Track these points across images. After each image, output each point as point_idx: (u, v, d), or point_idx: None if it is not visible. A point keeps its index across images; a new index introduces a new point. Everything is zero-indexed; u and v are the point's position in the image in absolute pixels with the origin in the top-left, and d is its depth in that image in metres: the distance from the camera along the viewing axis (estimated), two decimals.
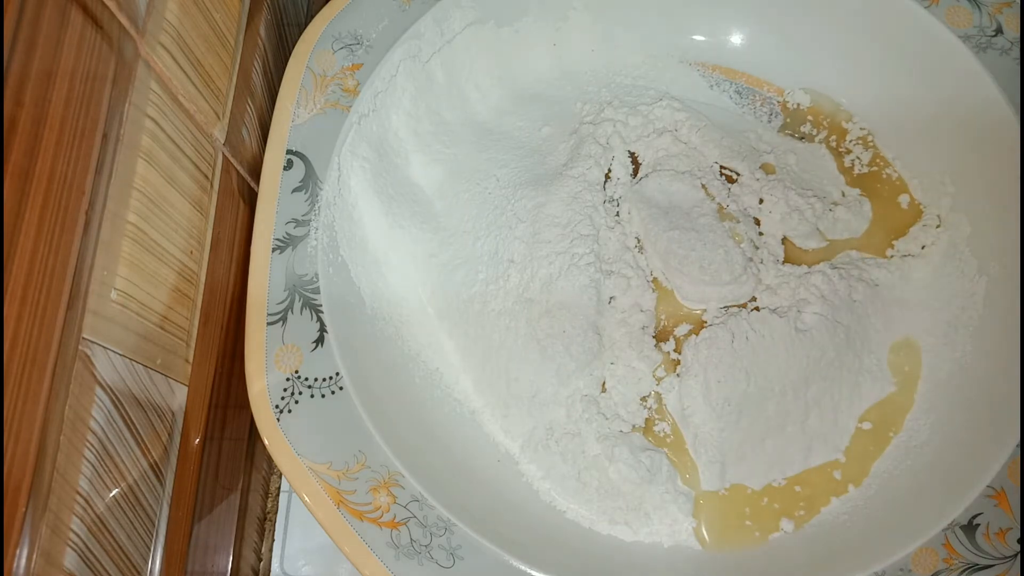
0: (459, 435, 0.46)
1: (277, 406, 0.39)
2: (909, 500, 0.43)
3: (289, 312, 0.42)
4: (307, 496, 0.38)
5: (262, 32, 0.45)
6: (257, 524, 0.46)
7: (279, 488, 0.47)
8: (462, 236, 0.50)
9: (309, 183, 0.44)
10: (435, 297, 0.49)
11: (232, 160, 0.42)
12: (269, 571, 0.45)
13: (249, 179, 0.44)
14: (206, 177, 0.39)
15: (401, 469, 0.40)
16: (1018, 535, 0.38)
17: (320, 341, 0.41)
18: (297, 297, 0.42)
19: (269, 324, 0.41)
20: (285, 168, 0.44)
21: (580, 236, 0.49)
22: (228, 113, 0.41)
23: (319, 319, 0.42)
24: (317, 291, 0.42)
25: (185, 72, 0.36)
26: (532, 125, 0.55)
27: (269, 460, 0.47)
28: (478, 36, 0.53)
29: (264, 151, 0.44)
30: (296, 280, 0.42)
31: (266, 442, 0.39)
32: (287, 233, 0.43)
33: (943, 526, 0.39)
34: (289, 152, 0.45)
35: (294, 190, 0.44)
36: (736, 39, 0.57)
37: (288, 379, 0.40)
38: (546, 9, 0.55)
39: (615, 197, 0.52)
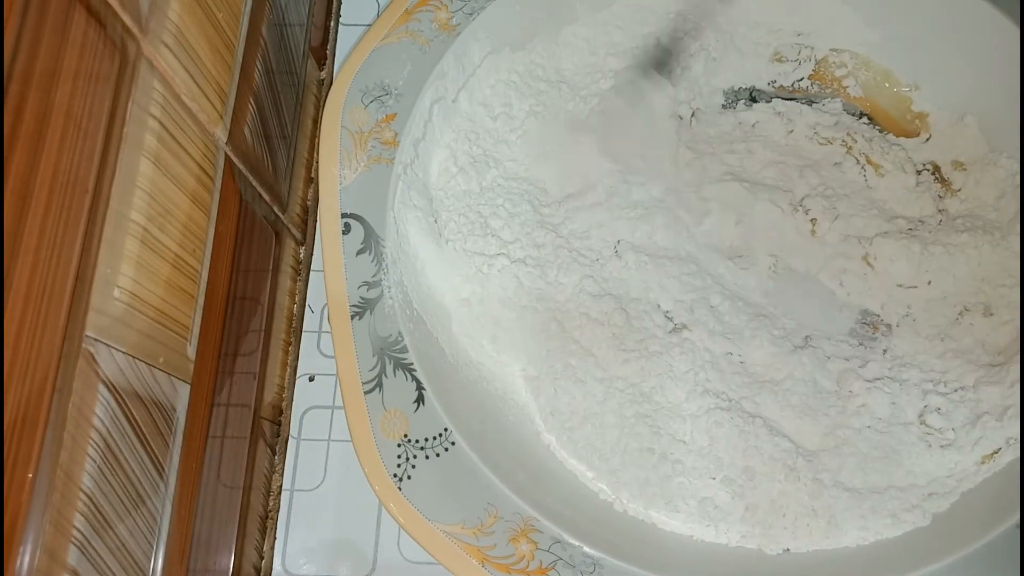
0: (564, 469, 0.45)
1: (395, 475, 0.38)
2: None
3: (383, 376, 0.40)
4: (449, 561, 0.37)
5: (264, 31, 0.45)
6: (259, 522, 0.46)
7: (281, 487, 0.47)
8: (512, 269, 0.50)
9: (371, 243, 0.43)
10: (501, 336, 0.48)
11: (234, 159, 0.42)
12: (271, 569, 0.45)
13: (251, 178, 0.44)
14: (208, 176, 0.39)
15: (534, 513, 0.39)
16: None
17: (421, 400, 0.40)
18: (388, 360, 0.41)
19: (366, 393, 0.40)
20: (344, 233, 0.43)
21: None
22: (230, 112, 0.41)
23: (414, 378, 0.41)
24: (405, 350, 0.41)
25: (188, 71, 0.36)
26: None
27: (271, 458, 0.47)
28: (497, 65, 0.53)
29: (266, 151, 0.44)
30: (382, 343, 0.41)
31: (392, 512, 0.38)
32: (362, 297, 0.42)
33: None
34: (344, 216, 0.44)
35: (358, 253, 0.43)
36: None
37: (399, 445, 0.39)
38: (552, 28, 0.54)
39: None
